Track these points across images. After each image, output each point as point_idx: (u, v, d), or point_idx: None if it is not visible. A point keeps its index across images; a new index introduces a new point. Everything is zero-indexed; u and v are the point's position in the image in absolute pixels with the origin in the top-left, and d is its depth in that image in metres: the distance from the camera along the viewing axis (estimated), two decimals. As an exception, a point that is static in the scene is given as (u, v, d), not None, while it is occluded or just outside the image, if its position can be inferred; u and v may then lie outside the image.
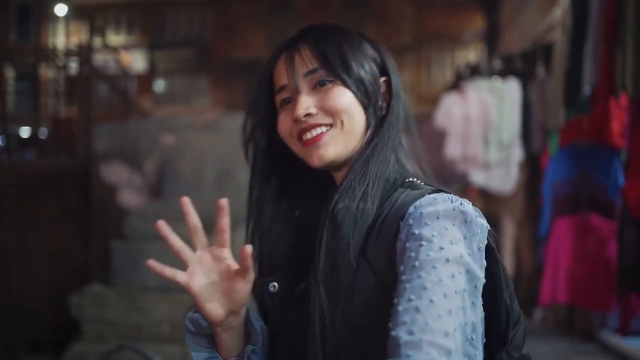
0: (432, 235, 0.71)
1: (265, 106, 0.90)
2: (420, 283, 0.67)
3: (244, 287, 0.80)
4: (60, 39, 16.42)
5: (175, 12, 21.85)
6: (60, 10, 17.08)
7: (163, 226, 0.88)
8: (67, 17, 16.95)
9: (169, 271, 0.85)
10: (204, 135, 4.68)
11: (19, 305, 4.73)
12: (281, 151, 0.90)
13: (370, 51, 0.85)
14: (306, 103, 0.82)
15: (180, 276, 0.85)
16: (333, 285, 0.76)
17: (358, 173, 0.81)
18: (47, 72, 7.04)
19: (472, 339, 0.70)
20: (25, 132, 10.92)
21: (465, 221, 0.73)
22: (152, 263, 0.83)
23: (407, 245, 0.72)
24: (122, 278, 4.29)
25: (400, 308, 0.67)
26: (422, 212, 0.74)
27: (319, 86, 0.83)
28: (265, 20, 20.95)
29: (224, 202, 0.87)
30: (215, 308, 0.81)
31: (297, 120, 0.83)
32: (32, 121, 9.65)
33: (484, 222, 0.75)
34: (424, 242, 0.71)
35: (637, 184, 3.64)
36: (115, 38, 19.73)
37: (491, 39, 9.26)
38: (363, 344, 0.74)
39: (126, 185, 4.60)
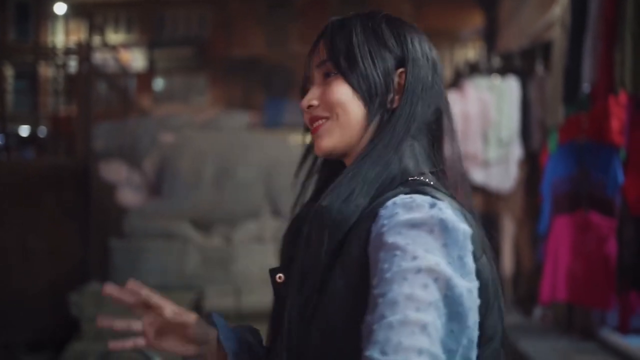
0: (406, 244, 0.68)
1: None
2: (392, 297, 0.65)
3: (190, 323, 0.85)
4: (60, 37, 16.39)
5: (174, 10, 21.84)
6: (60, 8, 17.06)
7: (113, 290, 0.89)
8: (66, 16, 16.92)
9: (120, 324, 0.89)
10: (203, 134, 4.68)
11: (19, 304, 4.73)
12: None
13: (390, 41, 0.82)
14: (311, 94, 0.83)
15: (137, 331, 0.89)
16: (305, 285, 0.75)
17: (350, 172, 0.78)
18: (46, 71, 7.04)
19: (454, 350, 0.67)
20: (24, 130, 10.91)
21: (444, 228, 0.69)
22: (102, 319, 0.89)
23: (380, 255, 0.69)
24: (122, 276, 4.29)
25: (373, 326, 0.64)
26: (397, 220, 0.70)
27: (326, 78, 0.83)
28: (264, 18, 20.94)
29: (135, 284, 0.89)
30: (176, 346, 0.85)
31: (303, 111, 0.84)
32: (31, 120, 9.64)
33: (466, 227, 0.71)
34: (397, 252, 0.67)
35: (636, 182, 3.64)
36: (114, 36, 19.73)
37: (490, 37, 9.26)
38: (332, 351, 0.71)
39: (125, 183, 4.59)
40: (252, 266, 4.29)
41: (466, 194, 0.82)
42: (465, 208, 0.77)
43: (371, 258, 0.70)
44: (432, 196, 0.73)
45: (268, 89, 22.01)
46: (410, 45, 0.82)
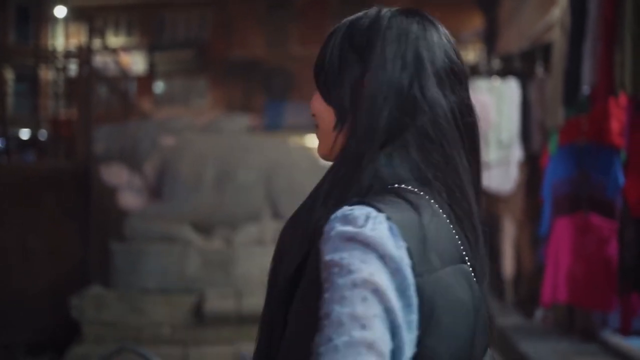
0: (341, 259, 0.65)
1: None
2: (336, 318, 0.62)
3: None
4: (60, 40, 16.40)
5: (174, 13, 21.87)
6: (60, 11, 17.08)
7: None
8: (66, 19, 16.94)
9: None
10: (204, 137, 4.68)
11: (19, 305, 4.73)
12: None
13: (360, 48, 0.78)
14: (312, 104, 0.83)
15: None
16: (267, 304, 0.74)
17: (319, 183, 0.77)
18: (46, 74, 7.05)
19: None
20: (24, 133, 10.91)
21: (375, 242, 0.66)
22: None
23: (323, 274, 0.66)
24: (122, 279, 4.29)
25: (320, 348, 0.62)
26: (332, 234, 0.67)
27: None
28: (264, 19, 20.94)
29: None
30: None
31: None
32: (31, 123, 9.64)
33: (401, 242, 0.67)
34: (334, 269, 0.65)
35: (637, 183, 3.64)
36: (114, 40, 19.75)
37: (490, 39, 9.27)
38: None
39: (126, 186, 4.60)
40: (253, 269, 4.28)
41: (460, 202, 0.75)
42: (438, 220, 0.72)
43: (321, 279, 0.67)
44: (376, 208, 0.69)
45: (268, 91, 22.01)
46: (377, 50, 0.77)
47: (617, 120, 4.32)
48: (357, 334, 0.61)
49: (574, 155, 4.80)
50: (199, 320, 4.18)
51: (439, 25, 0.81)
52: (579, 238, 4.68)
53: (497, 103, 5.65)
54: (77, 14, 16.50)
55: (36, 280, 4.85)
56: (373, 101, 0.76)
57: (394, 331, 0.64)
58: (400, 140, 0.75)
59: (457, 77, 0.78)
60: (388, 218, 0.68)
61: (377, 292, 0.63)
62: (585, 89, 4.57)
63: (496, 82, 5.74)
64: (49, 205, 5.05)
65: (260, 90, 21.73)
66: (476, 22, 12.84)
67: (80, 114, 5.52)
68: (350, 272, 0.64)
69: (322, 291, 0.65)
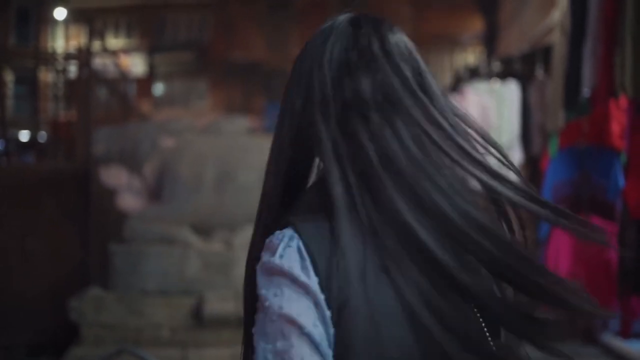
0: (262, 293, 0.67)
1: None
2: (261, 354, 0.65)
3: None
4: (60, 42, 16.41)
5: (174, 14, 21.89)
6: (60, 14, 17.10)
7: None
8: (66, 21, 16.95)
9: None
10: (204, 138, 4.67)
11: (19, 306, 4.73)
12: None
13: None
14: None
15: None
16: (244, 323, 0.79)
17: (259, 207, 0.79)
18: (46, 76, 7.04)
19: None
20: (24, 135, 10.91)
21: (284, 272, 0.66)
22: None
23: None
24: (122, 281, 4.29)
25: None
26: (258, 266, 0.69)
27: None
28: (264, 21, 20.97)
29: None
30: None
31: None
32: (31, 125, 9.64)
33: (308, 263, 0.66)
34: (259, 304, 0.67)
35: (637, 186, 3.63)
36: (114, 42, 19.76)
37: (490, 41, 9.27)
38: None
39: (126, 188, 4.59)
40: (253, 271, 4.29)
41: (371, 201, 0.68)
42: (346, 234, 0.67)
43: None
44: (294, 226, 0.68)
45: (268, 93, 22.01)
46: (300, 54, 0.75)
47: (618, 123, 4.32)
48: None
49: (575, 158, 4.79)
50: (198, 323, 4.17)
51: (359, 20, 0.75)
52: (579, 241, 4.68)
53: (497, 105, 5.65)
54: (77, 16, 16.51)
55: (36, 282, 4.84)
56: (284, 100, 0.78)
57: (317, 349, 0.64)
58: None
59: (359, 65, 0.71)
60: (300, 236, 0.67)
61: (293, 323, 0.64)
62: (586, 91, 4.56)
63: (496, 85, 5.74)
64: (49, 207, 5.05)
65: (260, 92, 21.74)
66: (477, 25, 12.85)
67: (80, 116, 5.52)
68: (266, 307, 0.66)
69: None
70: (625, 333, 4.19)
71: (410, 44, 0.75)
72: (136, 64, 20.73)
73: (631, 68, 3.37)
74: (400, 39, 0.74)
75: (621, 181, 4.36)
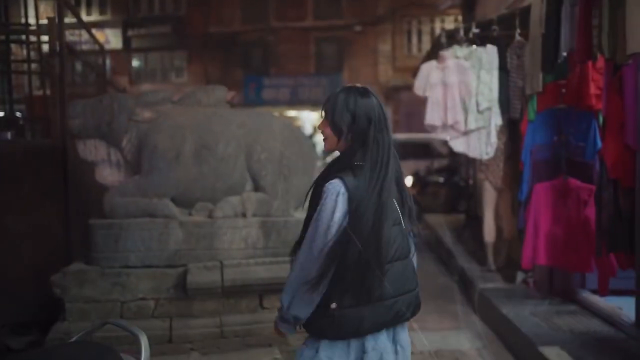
0: (323, 197, 2.06)
1: None
2: (320, 219, 2.06)
3: None
4: (31, 17, 15.99)
5: (149, -14, 21.36)
6: (29, -13, 16.60)
7: None
8: (36, -6, 16.49)
9: None
10: (181, 109, 4.61)
11: (1, 286, 4.69)
12: None
13: (350, 107, 2.04)
14: (321, 127, 2.13)
15: None
16: (306, 217, 2.21)
17: (331, 162, 2.17)
18: (18, 51, 6.86)
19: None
20: (-1, 113, 10.67)
21: (333, 192, 2.03)
22: None
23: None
24: (104, 256, 4.26)
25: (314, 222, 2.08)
26: (326, 187, 2.06)
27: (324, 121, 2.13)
28: (240, -8, 20.57)
29: None
30: None
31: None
32: (6, 102, 9.42)
33: (344, 190, 2.01)
34: (320, 203, 2.05)
35: (614, 145, 3.67)
36: (86, 18, 19.29)
37: (469, 6, 9.22)
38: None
39: (104, 162, 4.53)
40: (236, 241, 4.28)
41: (380, 171, 2.02)
42: (366, 182, 2.00)
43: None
44: (340, 178, 2.00)
45: (247, 66, 21.76)
46: (358, 111, 2.04)
47: (595, 84, 4.34)
48: (323, 224, 2.00)
49: (553, 120, 4.82)
50: (182, 294, 4.18)
51: (372, 94, 2.07)
52: (558, 201, 4.74)
53: (476, 70, 5.64)
54: (48, -11, 16.03)
55: (17, 260, 4.80)
56: (357, 134, 2.04)
57: (343, 211, 1.98)
58: (360, 147, 2.04)
59: (386, 121, 2.06)
60: (343, 181, 1.99)
61: (338, 199, 1.97)
62: (564, 54, 4.56)
63: (475, 49, 5.72)
64: (28, 185, 4.98)
65: (239, 66, 21.48)
66: (454, -10, 12.76)
67: (54, 91, 5.41)
68: (326, 197, 1.99)
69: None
70: (603, 290, 4.28)
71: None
72: (110, 41, 20.29)
73: (608, 29, 3.37)
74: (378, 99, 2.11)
75: (599, 142, 4.40)
